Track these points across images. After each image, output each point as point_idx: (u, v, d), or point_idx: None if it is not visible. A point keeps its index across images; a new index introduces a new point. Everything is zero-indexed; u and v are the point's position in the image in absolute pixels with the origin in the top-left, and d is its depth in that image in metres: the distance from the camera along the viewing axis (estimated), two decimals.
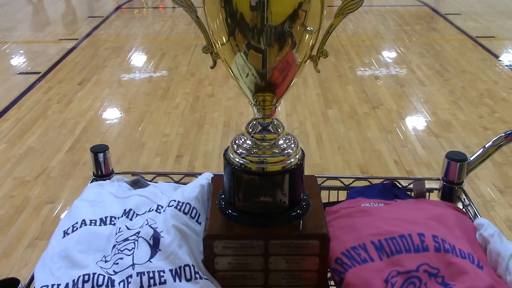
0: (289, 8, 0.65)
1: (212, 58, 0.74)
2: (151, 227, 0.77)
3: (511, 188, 2.60)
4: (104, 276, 0.71)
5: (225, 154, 0.78)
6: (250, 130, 0.76)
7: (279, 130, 0.76)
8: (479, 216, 0.87)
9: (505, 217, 2.36)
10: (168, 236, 0.75)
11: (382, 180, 0.98)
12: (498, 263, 0.75)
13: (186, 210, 0.79)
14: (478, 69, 4.22)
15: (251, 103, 0.75)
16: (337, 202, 0.94)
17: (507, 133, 0.93)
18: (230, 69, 0.72)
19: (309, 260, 0.75)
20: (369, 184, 0.98)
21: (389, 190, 0.95)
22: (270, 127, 0.76)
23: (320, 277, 0.76)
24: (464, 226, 0.82)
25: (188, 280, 0.72)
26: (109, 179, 0.97)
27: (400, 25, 5.59)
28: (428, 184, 0.95)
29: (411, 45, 4.91)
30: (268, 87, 0.72)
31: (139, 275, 0.71)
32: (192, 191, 0.82)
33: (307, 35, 0.69)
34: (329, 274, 0.78)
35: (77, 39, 5.19)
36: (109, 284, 0.71)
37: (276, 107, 0.75)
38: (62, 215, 2.42)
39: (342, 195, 0.98)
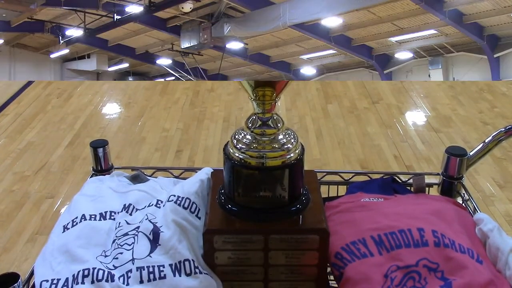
0: None
1: None
2: (150, 222, 0.77)
3: (510, 183, 2.60)
4: (104, 271, 0.72)
5: (225, 149, 0.77)
6: (250, 125, 0.76)
7: (279, 125, 0.76)
8: (478, 211, 0.87)
9: (504, 212, 2.36)
10: (167, 231, 0.75)
11: (382, 175, 0.98)
12: (497, 258, 0.75)
13: (185, 205, 0.79)
14: None
15: (251, 98, 0.75)
16: (337, 197, 0.94)
17: (507, 128, 0.93)
18: None
19: (308, 255, 0.75)
20: (369, 179, 0.98)
21: (389, 185, 0.95)
22: (270, 122, 0.76)
23: (319, 272, 0.76)
24: (463, 221, 0.82)
25: (188, 275, 0.72)
26: (109, 174, 0.97)
27: None
28: (428, 179, 0.95)
29: None
30: (268, 82, 0.72)
31: (139, 269, 0.71)
32: (192, 186, 0.82)
33: None
34: (328, 269, 0.78)
35: None
36: (109, 278, 0.71)
37: (276, 102, 0.75)
38: (62, 210, 2.42)
39: (342, 190, 0.98)
